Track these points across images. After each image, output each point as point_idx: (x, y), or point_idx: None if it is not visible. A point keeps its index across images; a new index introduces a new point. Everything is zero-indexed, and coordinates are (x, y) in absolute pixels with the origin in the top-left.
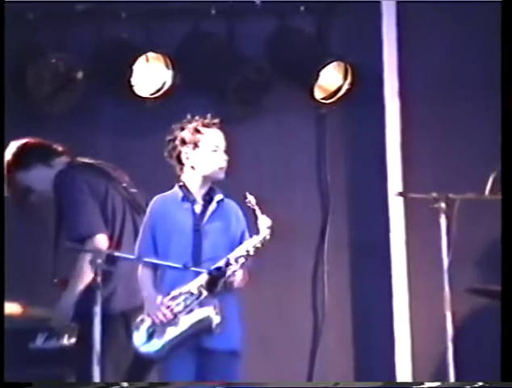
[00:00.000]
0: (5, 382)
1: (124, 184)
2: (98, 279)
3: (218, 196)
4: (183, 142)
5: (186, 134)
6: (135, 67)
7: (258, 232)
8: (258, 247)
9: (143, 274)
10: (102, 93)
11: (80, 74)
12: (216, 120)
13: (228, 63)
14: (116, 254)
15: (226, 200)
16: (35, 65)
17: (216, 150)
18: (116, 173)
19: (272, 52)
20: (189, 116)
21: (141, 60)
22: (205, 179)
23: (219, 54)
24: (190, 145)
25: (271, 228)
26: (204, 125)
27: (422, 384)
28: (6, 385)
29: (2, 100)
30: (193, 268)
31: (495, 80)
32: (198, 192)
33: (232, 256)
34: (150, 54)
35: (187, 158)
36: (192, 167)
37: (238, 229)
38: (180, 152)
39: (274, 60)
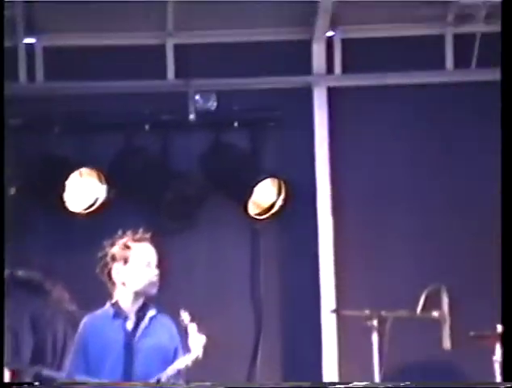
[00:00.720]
0: (5, 382)
1: (65, 303)
2: None
3: (151, 312)
4: (113, 258)
5: (117, 250)
6: (68, 182)
7: (189, 350)
8: (189, 366)
9: None
10: (34, 208)
11: (12, 190)
12: (147, 235)
13: (161, 177)
14: (45, 372)
15: (159, 315)
16: None
17: (146, 265)
18: (56, 290)
19: (206, 167)
20: (120, 232)
21: (75, 175)
22: (137, 294)
23: (152, 169)
24: (121, 261)
25: (204, 347)
26: (135, 240)
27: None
28: (6, 385)
29: (1, 100)
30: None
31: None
32: (130, 309)
33: (164, 375)
34: (84, 169)
35: (118, 274)
36: (123, 283)
37: (171, 345)
38: (111, 268)
39: (208, 174)
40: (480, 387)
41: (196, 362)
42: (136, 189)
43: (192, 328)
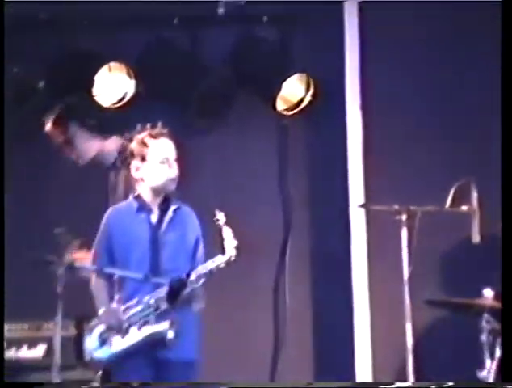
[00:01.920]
0: (5, 382)
1: None
2: (59, 289)
3: (174, 205)
4: (132, 155)
5: (134, 146)
6: (97, 77)
7: (223, 252)
8: (221, 267)
9: (97, 284)
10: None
11: (41, 84)
12: (165, 130)
13: (190, 73)
14: (77, 264)
15: (182, 207)
16: None
17: (164, 162)
18: None
19: (235, 63)
20: (139, 126)
21: (104, 69)
22: (157, 190)
23: (181, 64)
24: (138, 158)
25: (238, 248)
26: (152, 136)
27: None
28: (6, 385)
29: (1, 100)
30: (154, 279)
31: (455, 91)
32: (153, 202)
33: (194, 273)
34: (113, 64)
35: (137, 170)
36: (142, 179)
37: (193, 236)
38: (130, 164)
39: (236, 70)
40: (480, 387)
41: (229, 263)
42: (164, 85)
43: (226, 229)
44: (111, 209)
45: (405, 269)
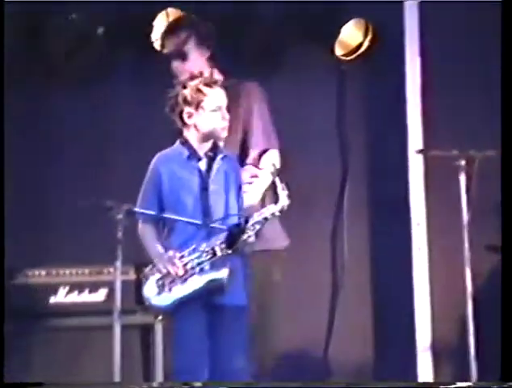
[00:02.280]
0: (5, 382)
1: None
2: (119, 234)
3: (221, 153)
4: (185, 101)
5: (188, 93)
6: (155, 23)
7: (276, 200)
8: (275, 215)
9: (144, 229)
10: (122, 49)
11: (100, 31)
12: (219, 78)
13: (245, 19)
14: (136, 209)
15: (229, 155)
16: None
17: (217, 110)
18: None
19: (291, 8)
20: (195, 72)
21: (161, 15)
22: (207, 137)
23: (236, 11)
24: (192, 106)
25: (289, 196)
26: (206, 84)
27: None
28: (5, 385)
29: (1, 100)
30: (212, 225)
31: None
32: (201, 149)
33: (250, 218)
34: (170, 10)
35: (189, 117)
36: (195, 126)
37: (238, 184)
38: (182, 110)
39: (293, 16)
40: (481, 387)
41: (282, 212)
42: (218, 30)
43: (279, 177)
44: (158, 155)
45: (464, 215)
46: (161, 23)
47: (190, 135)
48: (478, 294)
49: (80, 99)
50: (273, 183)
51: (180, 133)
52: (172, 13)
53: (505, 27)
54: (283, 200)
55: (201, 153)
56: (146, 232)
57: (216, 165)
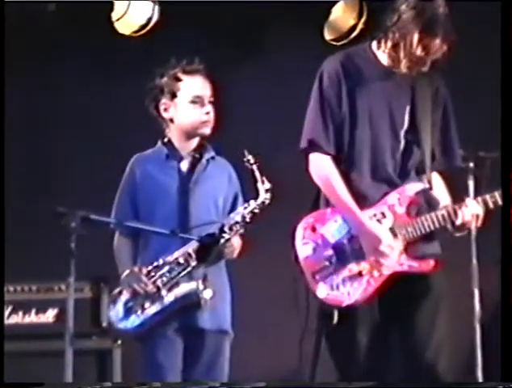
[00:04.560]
0: (5, 382)
1: None
2: (72, 245)
3: (209, 153)
4: (162, 91)
5: (165, 82)
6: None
7: (256, 196)
8: (255, 213)
9: (119, 241)
10: (78, 29)
11: (52, 6)
12: (200, 66)
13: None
14: (93, 217)
15: (218, 158)
16: None
17: (196, 102)
18: None
19: None
20: (173, 61)
21: None
22: (188, 133)
23: None
24: (168, 95)
25: (271, 191)
26: (185, 72)
27: None
28: (5, 385)
29: (2, 99)
30: (182, 235)
31: None
32: (184, 148)
33: (226, 222)
34: None
35: (165, 110)
36: (171, 120)
37: (231, 191)
38: (159, 102)
39: None
40: (481, 387)
41: (263, 208)
42: (193, 9)
43: (258, 171)
44: (136, 156)
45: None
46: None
47: (172, 132)
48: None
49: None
50: (252, 177)
51: (162, 132)
52: None
53: (505, 27)
54: (263, 196)
55: (184, 152)
56: (120, 246)
57: (200, 166)
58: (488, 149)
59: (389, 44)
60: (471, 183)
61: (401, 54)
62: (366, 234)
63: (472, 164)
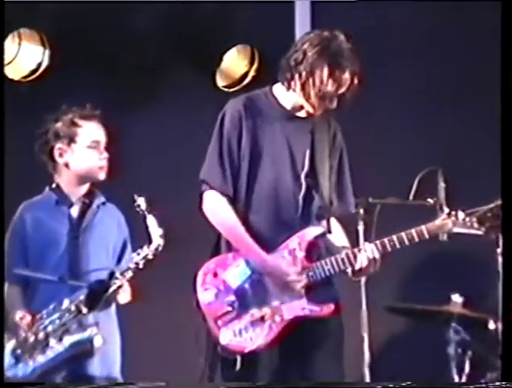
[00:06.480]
0: (5, 382)
1: None
2: None
3: (99, 199)
4: (57, 136)
5: (61, 127)
6: (6, 45)
7: (149, 242)
8: (149, 259)
9: (9, 290)
10: None
11: None
12: (97, 112)
13: (116, 39)
14: None
15: (108, 204)
16: None
17: (94, 147)
18: None
19: (169, 28)
20: (64, 106)
21: (12, 36)
22: (82, 179)
23: (106, 29)
24: (65, 140)
25: (165, 237)
26: (82, 117)
27: None
28: (6, 385)
29: (1, 98)
30: (71, 282)
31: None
32: (74, 194)
33: (118, 269)
34: (23, 30)
35: (61, 155)
36: (66, 165)
37: (121, 237)
38: (53, 147)
39: (171, 37)
40: (480, 387)
41: (156, 254)
42: (85, 54)
43: (150, 216)
44: (25, 202)
45: None
46: (11, 46)
47: (62, 178)
48: (376, 362)
49: None
50: (143, 222)
51: (51, 178)
52: (25, 34)
53: (505, 27)
54: (157, 241)
55: (73, 197)
56: (10, 293)
57: (90, 212)
58: (378, 195)
59: (298, 83)
60: (360, 229)
61: (312, 92)
62: (272, 270)
63: (361, 210)
